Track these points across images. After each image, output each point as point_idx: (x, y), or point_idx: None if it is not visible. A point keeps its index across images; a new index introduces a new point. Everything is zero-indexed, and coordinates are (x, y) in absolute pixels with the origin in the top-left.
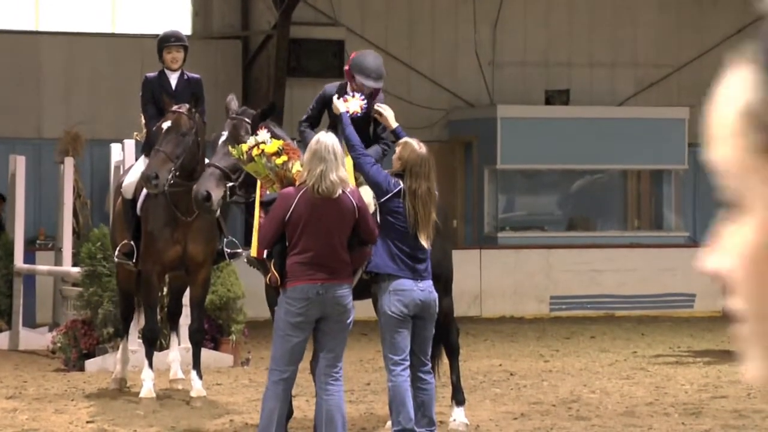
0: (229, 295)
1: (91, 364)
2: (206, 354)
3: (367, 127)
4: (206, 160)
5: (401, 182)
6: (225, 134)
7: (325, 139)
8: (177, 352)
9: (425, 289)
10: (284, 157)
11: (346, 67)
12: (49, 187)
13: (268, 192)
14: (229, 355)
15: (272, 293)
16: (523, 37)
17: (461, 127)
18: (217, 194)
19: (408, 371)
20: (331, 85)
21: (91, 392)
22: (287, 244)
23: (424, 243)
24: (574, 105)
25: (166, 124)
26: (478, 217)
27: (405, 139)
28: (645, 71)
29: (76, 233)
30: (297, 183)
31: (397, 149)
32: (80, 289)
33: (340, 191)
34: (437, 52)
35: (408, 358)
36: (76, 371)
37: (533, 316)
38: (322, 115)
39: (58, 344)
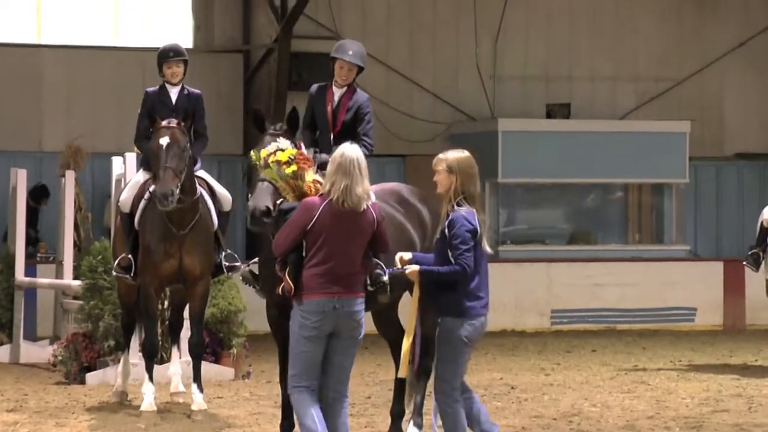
0: (230, 308)
1: (91, 377)
2: (207, 367)
3: (355, 126)
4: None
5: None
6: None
7: (350, 152)
8: (178, 365)
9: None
10: (294, 167)
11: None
12: (50, 200)
13: (284, 201)
14: (230, 368)
15: (273, 312)
16: (524, 50)
17: (462, 140)
18: (272, 208)
19: None
20: (315, 85)
21: (92, 405)
22: (305, 254)
23: (487, 248)
24: (575, 119)
25: (164, 140)
26: None
27: (442, 154)
28: (646, 85)
29: (77, 246)
30: (318, 193)
31: (441, 166)
32: (81, 302)
33: (365, 205)
34: (438, 66)
35: None
36: (76, 384)
37: (534, 330)
38: (315, 117)
39: (59, 357)
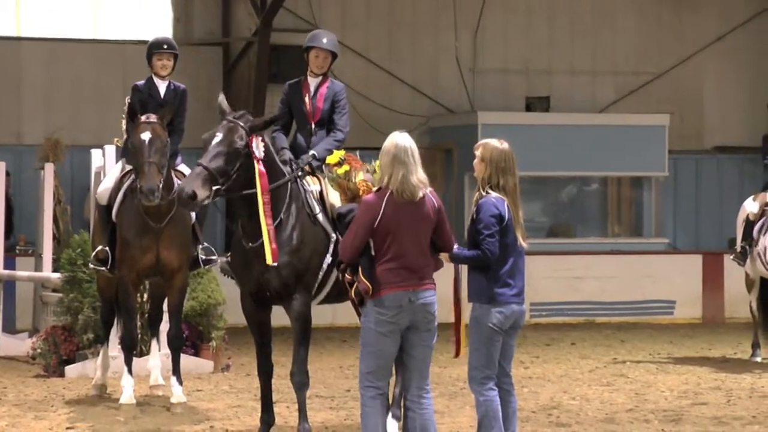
0: (209, 301)
1: (71, 370)
2: (186, 360)
3: (332, 115)
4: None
5: (497, 197)
6: (219, 136)
7: (402, 141)
8: (157, 358)
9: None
10: (346, 167)
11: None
12: (29, 193)
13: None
14: (210, 361)
15: (248, 304)
16: (503, 44)
17: (442, 133)
18: (202, 194)
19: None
20: (288, 83)
21: (71, 398)
22: (374, 252)
23: (522, 242)
24: (555, 112)
25: (146, 136)
26: (458, 223)
27: (484, 140)
28: (625, 79)
29: (57, 239)
30: (375, 188)
31: (477, 152)
32: (60, 295)
33: (422, 193)
34: (418, 59)
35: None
36: (56, 377)
37: None
38: (291, 115)
39: (38, 350)
